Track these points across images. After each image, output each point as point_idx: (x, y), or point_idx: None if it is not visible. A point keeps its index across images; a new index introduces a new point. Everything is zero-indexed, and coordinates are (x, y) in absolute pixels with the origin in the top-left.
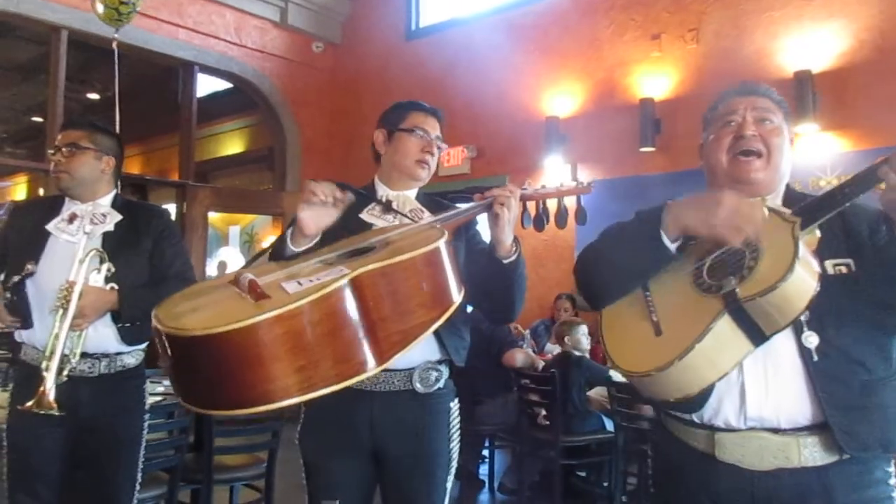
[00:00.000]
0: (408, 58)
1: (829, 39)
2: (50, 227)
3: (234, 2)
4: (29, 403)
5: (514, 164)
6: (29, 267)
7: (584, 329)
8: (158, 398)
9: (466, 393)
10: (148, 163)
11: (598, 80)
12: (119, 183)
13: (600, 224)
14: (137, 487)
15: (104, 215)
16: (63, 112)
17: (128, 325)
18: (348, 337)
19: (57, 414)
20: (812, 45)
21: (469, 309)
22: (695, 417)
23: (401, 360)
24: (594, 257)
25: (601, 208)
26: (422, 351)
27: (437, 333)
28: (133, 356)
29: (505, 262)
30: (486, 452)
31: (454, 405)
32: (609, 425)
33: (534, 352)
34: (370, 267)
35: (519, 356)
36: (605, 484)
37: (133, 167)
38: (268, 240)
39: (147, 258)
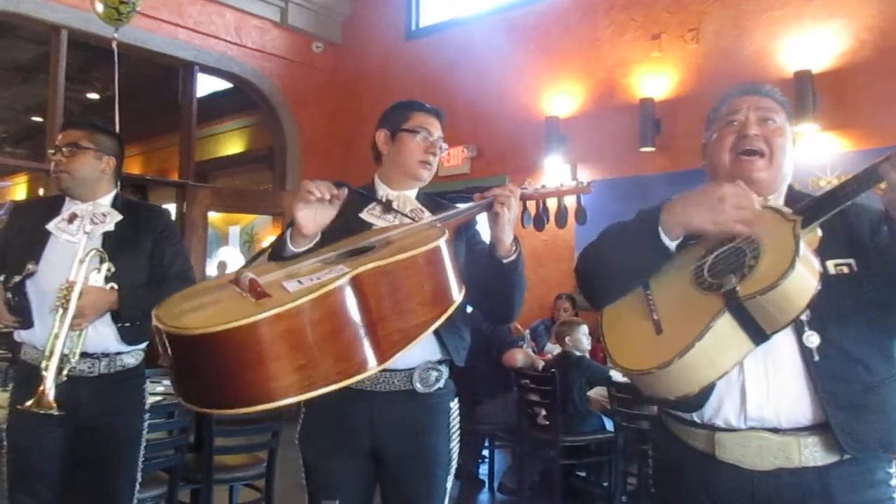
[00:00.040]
0: (408, 58)
1: (829, 39)
2: (50, 226)
3: (234, 2)
4: (29, 403)
5: (514, 163)
6: (29, 267)
7: (584, 329)
8: (158, 398)
9: (466, 393)
10: (148, 163)
11: (598, 80)
12: (119, 183)
13: (600, 224)
14: (137, 487)
15: (104, 215)
16: (63, 112)
17: (128, 324)
18: (349, 336)
19: (57, 414)
20: (812, 45)
21: (469, 309)
22: (695, 417)
23: (401, 359)
24: (595, 256)
25: (601, 208)
26: (422, 351)
27: (437, 333)
28: (133, 356)
29: (505, 261)
30: (486, 452)
31: (454, 405)
32: (609, 425)
33: (534, 352)
34: (371, 265)
35: (519, 356)
36: (605, 484)
37: (133, 167)
38: (268, 240)
39: (147, 258)
